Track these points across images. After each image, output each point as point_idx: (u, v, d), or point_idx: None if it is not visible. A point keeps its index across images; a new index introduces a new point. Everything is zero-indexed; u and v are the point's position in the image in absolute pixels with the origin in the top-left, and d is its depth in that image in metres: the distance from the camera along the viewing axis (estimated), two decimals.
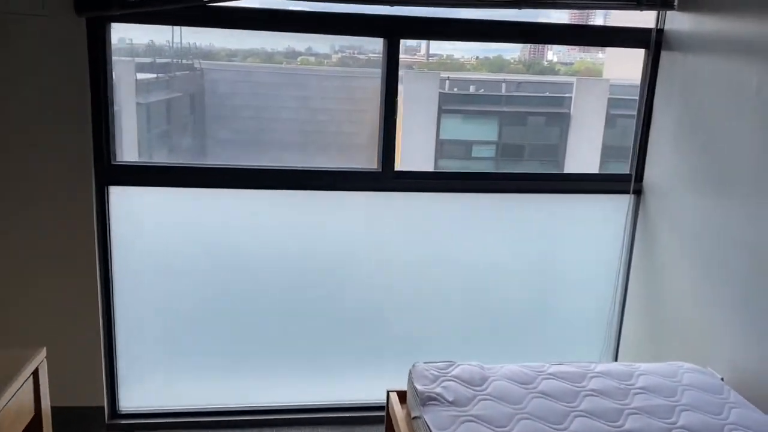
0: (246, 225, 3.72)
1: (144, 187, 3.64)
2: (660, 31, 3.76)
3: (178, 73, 3.79)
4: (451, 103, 7.64)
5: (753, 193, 2.91)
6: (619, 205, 4.12)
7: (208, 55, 3.79)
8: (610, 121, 7.60)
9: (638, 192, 4.07)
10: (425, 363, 2.88)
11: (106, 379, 3.65)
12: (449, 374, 2.80)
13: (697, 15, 3.40)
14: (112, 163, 3.56)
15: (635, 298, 4.04)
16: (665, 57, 3.84)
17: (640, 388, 2.78)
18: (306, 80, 4.19)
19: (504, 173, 4.22)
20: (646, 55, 3.99)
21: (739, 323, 2.96)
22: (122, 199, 3.76)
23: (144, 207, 3.82)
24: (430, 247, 4.01)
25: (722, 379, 2.94)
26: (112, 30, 3.48)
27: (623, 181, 4.10)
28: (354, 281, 3.88)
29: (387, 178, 3.92)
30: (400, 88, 7.30)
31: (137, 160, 3.86)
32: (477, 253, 4.10)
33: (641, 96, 4.07)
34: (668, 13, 3.66)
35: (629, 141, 7.61)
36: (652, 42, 3.82)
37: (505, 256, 4.07)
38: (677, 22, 3.61)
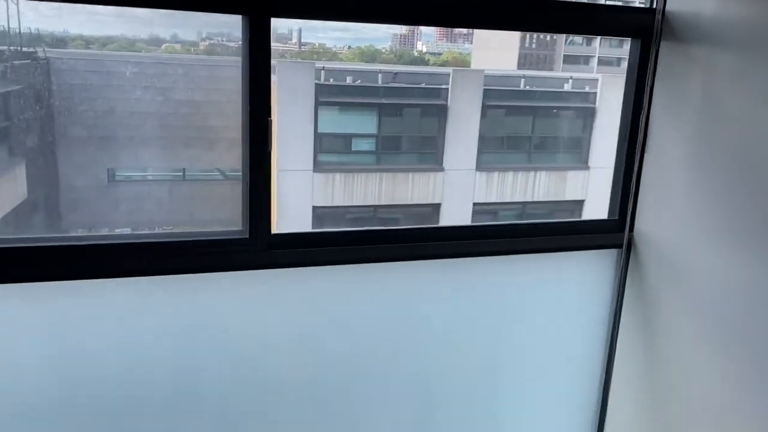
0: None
1: None
2: (652, 12, 2.51)
3: (16, 62, 3.35)
4: (329, 95, 7.50)
5: None
6: (598, 264, 2.80)
7: (59, 42, 3.38)
8: (485, 112, 7.75)
9: (625, 245, 2.76)
10: None
11: None
12: None
13: None
14: None
15: (625, 385, 2.87)
16: (666, 50, 2.53)
17: None
18: (170, 70, 3.85)
19: (438, 229, 2.51)
20: (635, 48, 2.60)
21: None
22: None
23: None
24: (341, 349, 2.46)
25: None
26: None
27: (601, 232, 2.73)
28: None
29: (259, 247, 2.15)
30: (273, 78, 7.10)
31: None
32: (417, 338, 2.58)
33: (627, 106, 2.69)
34: None
35: (503, 132, 7.74)
36: (657, 29, 2.50)
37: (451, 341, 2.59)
38: (688, 1, 2.44)
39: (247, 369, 2.37)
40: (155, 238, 2.10)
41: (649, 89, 2.61)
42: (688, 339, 2.56)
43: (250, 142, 2.11)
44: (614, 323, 2.86)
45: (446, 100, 7.07)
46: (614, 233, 2.71)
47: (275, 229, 2.19)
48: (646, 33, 2.48)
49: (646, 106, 2.67)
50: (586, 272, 2.78)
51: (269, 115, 2.10)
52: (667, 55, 2.61)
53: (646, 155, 2.73)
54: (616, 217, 2.71)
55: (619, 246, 2.76)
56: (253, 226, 2.16)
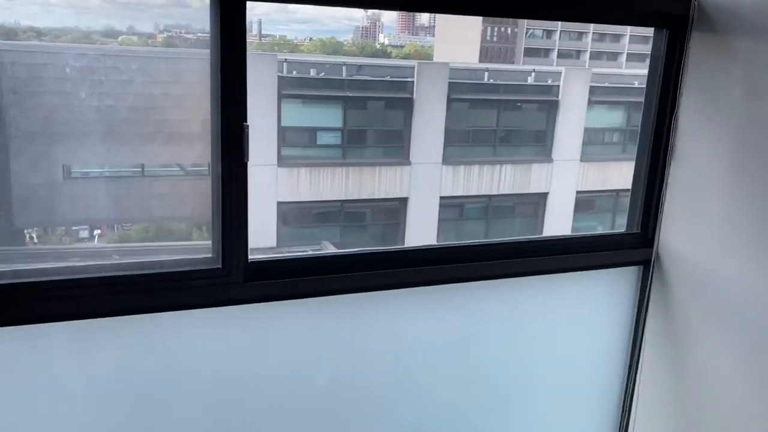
0: None
1: None
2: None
3: None
4: (292, 87, 7.38)
5: None
6: (618, 282, 2.42)
7: (10, 33, 3.22)
8: (450, 105, 7.73)
9: (647, 262, 2.37)
10: None
11: None
12: None
13: None
14: None
15: (648, 411, 2.54)
16: (700, 41, 2.20)
17: None
18: (127, 62, 3.71)
19: (441, 250, 2.10)
20: (660, 40, 2.25)
21: None
22: None
23: None
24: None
25: None
26: None
27: (621, 247, 2.33)
28: None
29: (234, 279, 1.73)
30: None
31: None
32: (427, 369, 2.25)
33: (650, 104, 2.29)
34: None
35: (468, 125, 7.73)
36: (691, 18, 2.14)
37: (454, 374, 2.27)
38: None
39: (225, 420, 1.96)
40: (108, 270, 1.63)
41: (675, 85, 2.24)
42: (721, 365, 2.23)
43: (223, 152, 1.69)
44: (635, 345, 2.49)
45: (412, 93, 7.02)
46: (636, 248, 2.32)
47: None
48: (676, 22, 2.14)
49: (668, 103, 2.29)
50: (605, 291, 2.43)
51: (245, 120, 1.72)
52: (701, 48, 2.22)
53: (673, 161, 2.34)
54: (637, 231, 2.33)
55: (641, 263, 2.39)
56: (227, 254, 1.70)
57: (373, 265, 1.93)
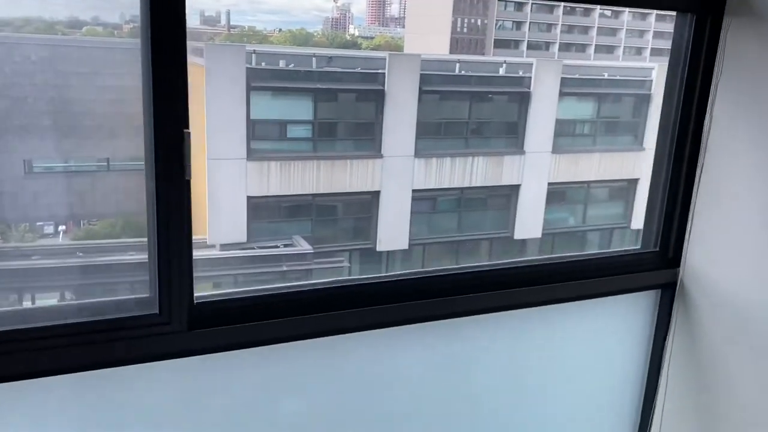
0: None
1: None
2: None
3: None
4: (261, 79, 7.27)
5: None
6: (636, 306, 2.04)
7: None
8: (421, 97, 7.69)
9: (668, 286, 1.99)
10: None
11: None
12: None
13: None
14: None
15: None
16: (737, 27, 1.80)
17: None
18: (91, 54, 3.61)
19: (437, 279, 1.69)
20: (684, 25, 1.86)
21: None
22: None
23: None
24: None
25: None
26: None
27: (639, 269, 1.92)
28: None
29: (175, 326, 1.35)
30: (200, 61, 6.84)
31: None
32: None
33: (670, 100, 1.86)
34: None
35: (439, 117, 7.71)
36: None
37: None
38: None
39: None
40: (20, 322, 1.26)
41: (704, 77, 1.85)
42: (756, 404, 1.85)
43: (157, 166, 1.33)
44: (653, 379, 2.10)
45: (383, 85, 6.97)
46: (654, 270, 1.92)
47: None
48: (705, 5, 1.78)
49: (694, 98, 1.82)
50: (617, 320, 2.04)
51: (186, 126, 1.29)
52: (737, 35, 1.82)
53: (704, 168, 1.89)
54: (655, 249, 1.91)
55: (660, 286, 1.98)
56: (166, 296, 1.30)
57: (349, 302, 1.47)
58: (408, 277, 1.64)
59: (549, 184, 7.75)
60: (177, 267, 1.30)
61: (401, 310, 1.56)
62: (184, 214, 1.31)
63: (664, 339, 2.05)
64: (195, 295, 1.34)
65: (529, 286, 1.75)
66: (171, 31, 1.27)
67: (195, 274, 1.33)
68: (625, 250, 1.96)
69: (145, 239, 1.41)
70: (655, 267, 1.92)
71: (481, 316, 1.74)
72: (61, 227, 5.99)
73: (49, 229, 6.16)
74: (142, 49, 1.34)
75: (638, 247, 1.97)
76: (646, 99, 8.17)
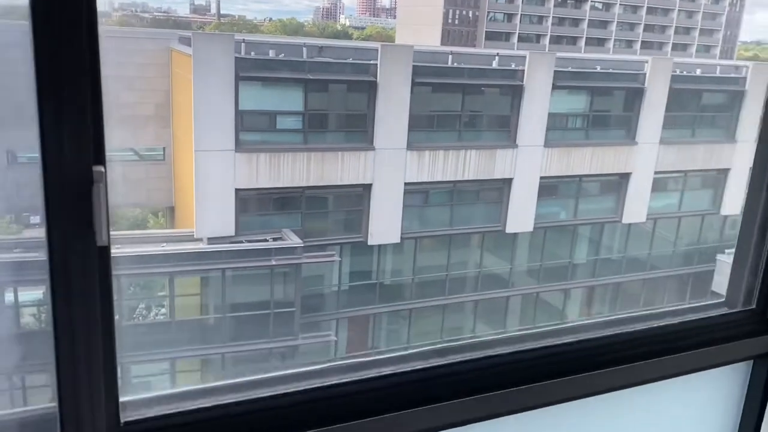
0: None
1: None
2: None
3: None
4: (250, 69, 7.11)
5: None
6: (726, 379, 1.59)
7: None
8: (413, 89, 7.58)
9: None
10: None
11: None
12: None
13: None
14: None
15: None
16: None
17: None
18: None
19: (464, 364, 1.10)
20: None
21: None
22: None
23: None
24: None
25: None
26: None
27: (733, 337, 1.44)
28: None
29: None
30: (188, 50, 6.67)
31: None
32: None
33: None
34: None
35: (432, 109, 7.59)
36: None
37: None
38: None
39: None
40: None
41: None
42: None
43: (49, 225, 0.76)
44: None
45: (375, 76, 6.85)
46: (750, 337, 1.47)
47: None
48: None
49: None
50: (707, 395, 1.61)
51: (99, 161, 0.75)
52: None
53: None
54: (751, 307, 1.48)
55: (755, 357, 1.52)
56: (71, 419, 0.85)
57: (348, 409, 1.00)
58: (407, 369, 1.08)
59: (541, 177, 7.68)
60: (86, 381, 0.84)
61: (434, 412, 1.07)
62: (104, 295, 0.80)
63: (760, 416, 1.57)
64: (121, 414, 0.88)
65: (604, 368, 1.30)
66: (73, 21, 0.73)
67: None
68: (708, 310, 1.48)
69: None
70: (748, 332, 1.46)
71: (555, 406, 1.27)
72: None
73: (36, 219, 6.07)
74: (32, 45, 0.74)
75: (722, 302, 1.48)
76: (639, 93, 8.11)
